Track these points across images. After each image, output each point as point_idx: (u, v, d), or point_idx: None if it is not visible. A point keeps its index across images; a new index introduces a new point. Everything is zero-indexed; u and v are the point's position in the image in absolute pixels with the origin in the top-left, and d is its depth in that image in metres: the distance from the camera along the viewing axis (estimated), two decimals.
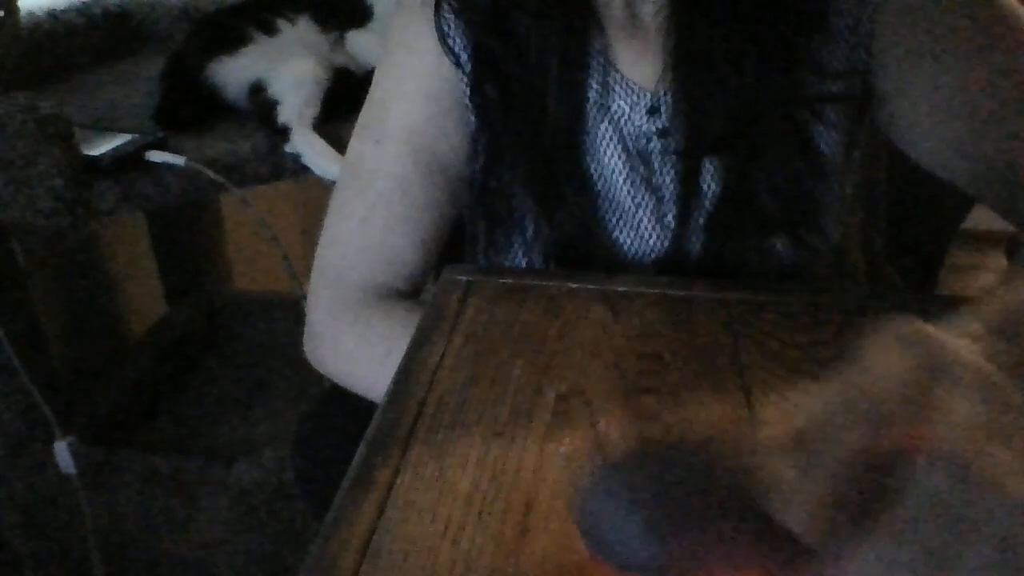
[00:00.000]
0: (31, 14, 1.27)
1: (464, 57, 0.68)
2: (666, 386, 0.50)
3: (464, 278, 0.62)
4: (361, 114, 0.73)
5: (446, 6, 0.68)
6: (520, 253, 0.72)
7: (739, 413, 0.47)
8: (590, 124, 0.68)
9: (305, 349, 0.74)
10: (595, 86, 0.67)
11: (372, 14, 1.21)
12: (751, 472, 0.35)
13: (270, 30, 1.18)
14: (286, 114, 1.10)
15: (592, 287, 0.60)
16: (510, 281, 0.62)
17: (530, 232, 0.70)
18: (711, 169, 0.66)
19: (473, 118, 0.70)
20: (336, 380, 0.72)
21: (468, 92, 0.69)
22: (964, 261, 1.26)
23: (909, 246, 0.97)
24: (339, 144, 1.08)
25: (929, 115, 0.63)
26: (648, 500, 0.35)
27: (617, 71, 0.67)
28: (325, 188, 1.08)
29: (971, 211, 0.97)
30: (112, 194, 1.02)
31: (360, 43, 1.22)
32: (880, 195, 0.88)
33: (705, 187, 0.66)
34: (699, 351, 0.53)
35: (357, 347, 0.70)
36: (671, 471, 0.36)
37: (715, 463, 0.36)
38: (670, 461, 0.37)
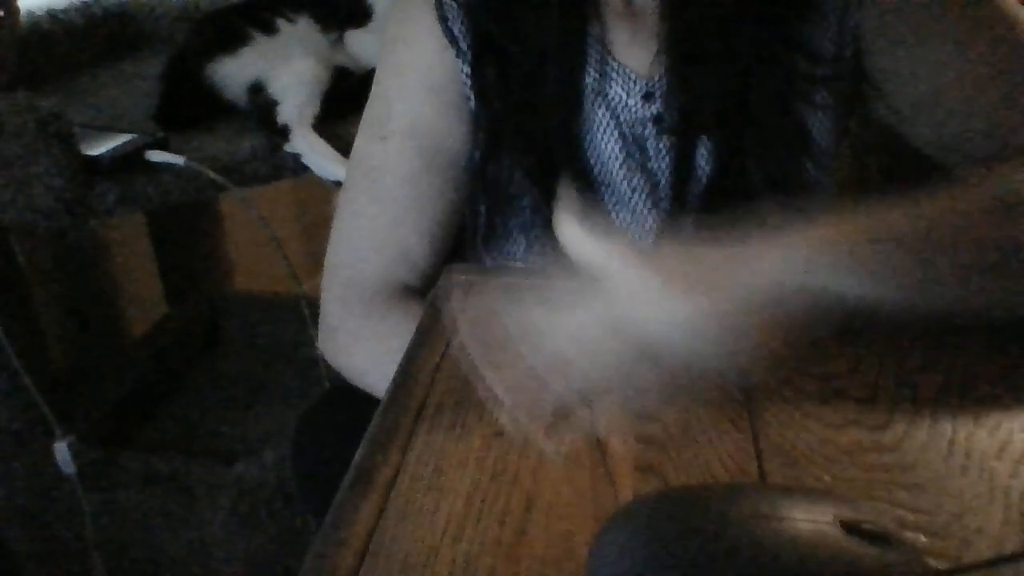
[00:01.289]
0: (31, 14, 1.27)
1: (465, 43, 0.69)
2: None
3: (464, 278, 0.62)
4: (365, 111, 0.74)
5: None
6: (519, 239, 0.72)
7: (739, 412, 0.47)
8: (587, 110, 0.68)
9: (319, 343, 0.75)
10: (592, 72, 0.68)
11: (372, 14, 1.21)
12: (763, 520, 0.35)
13: (270, 30, 1.18)
14: (286, 114, 1.10)
15: None
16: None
17: (527, 217, 0.70)
18: (704, 154, 0.67)
19: (473, 103, 0.70)
20: (347, 375, 0.73)
21: (468, 77, 0.69)
22: None
23: None
24: (339, 143, 1.08)
25: (922, 99, 0.63)
26: (658, 551, 0.35)
27: (614, 58, 0.68)
28: (325, 188, 1.08)
29: None
30: (112, 194, 1.02)
31: (360, 43, 1.22)
32: (872, 190, 0.88)
33: (699, 172, 0.67)
34: None
35: (370, 342, 0.71)
36: (682, 520, 0.36)
37: (726, 510, 0.36)
38: (681, 509, 0.37)
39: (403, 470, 0.44)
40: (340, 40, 1.22)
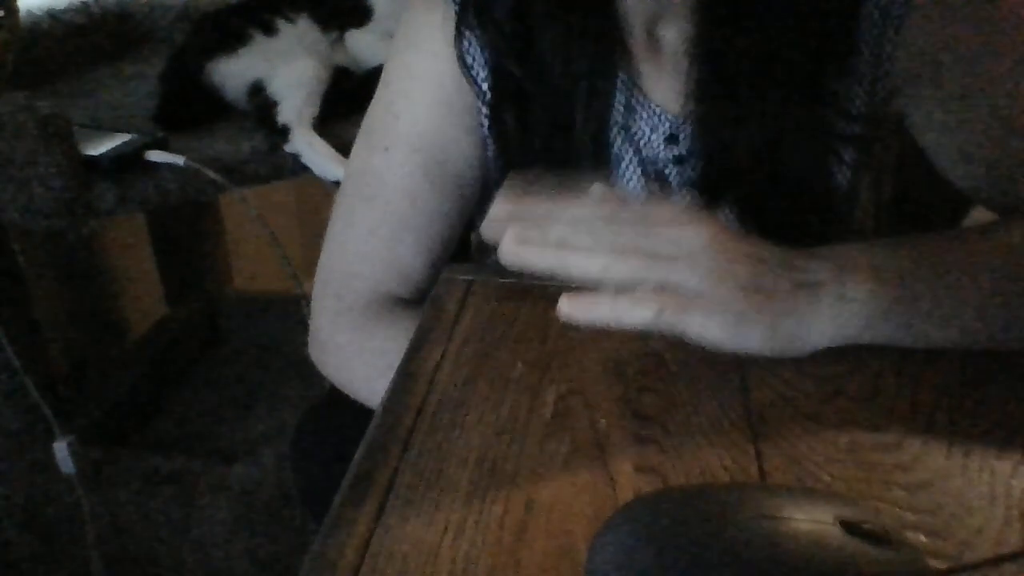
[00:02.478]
0: (31, 14, 1.27)
1: (482, 76, 0.67)
2: (666, 386, 0.50)
3: (464, 278, 0.62)
4: (367, 117, 0.72)
5: (466, 29, 0.66)
6: None
7: (739, 412, 0.47)
8: (611, 143, 0.67)
9: (309, 352, 0.74)
10: (619, 107, 0.66)
11: (372, 14, 1.21)
12: (763, 520, 0.35)
13: (270, 30, 1.18)
14: (286, 114, 1.10)
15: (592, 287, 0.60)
16: (510, 281, 0.62)
17: None
18: (728, 200, 0.65)
19: (490, 141, 0.68)
20: (338, 385, 0.72)
21: (487, 116, 0.68)
22: None
23: None
24: (339, 143, 1.08)
25: (966, 149, 0.62)
26: (658, 551, 0.35)
27: (641, 91, 0.66)
28: (325, 188, 1.08)
29: (969, 212, 0.97)
30: (112, 194, 1.02)
31: (360, 43, 1.22)
32: (883, 210, 0.88)
33: (722, 217, 0.66)
34: (699, 351, 0.53)
35: (359, 356, 0.70)
36: (682, 520, 0.36)
37: (726, 510, 0.36)
38: (681, 509, 0.37)
39: (403, 470, 0.44)
40: (340, 40, 1.22)
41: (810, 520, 0.35)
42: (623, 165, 0.67)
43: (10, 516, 1.26)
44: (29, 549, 1.29)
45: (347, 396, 0.71)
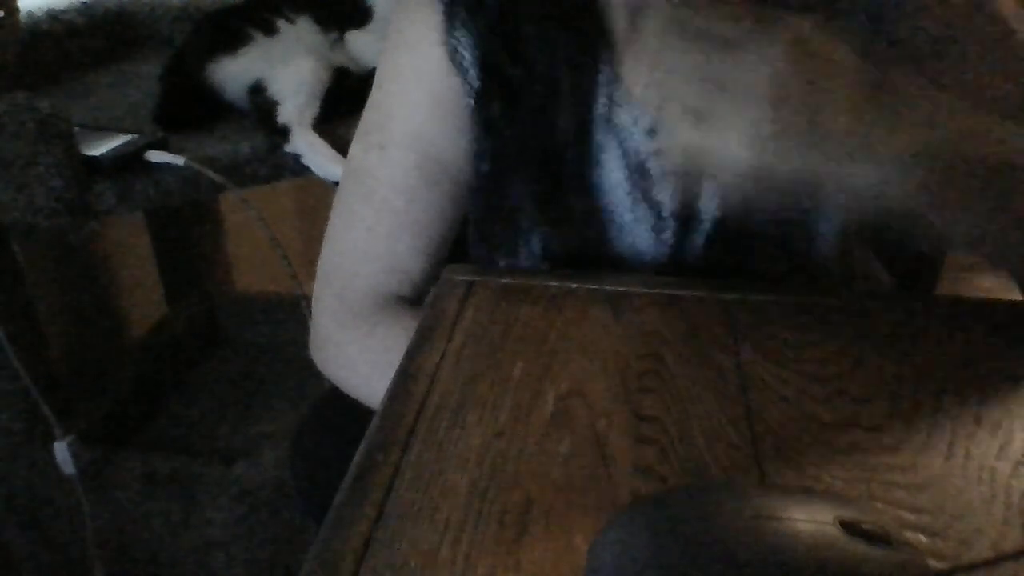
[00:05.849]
0: (31, 14, 1.27)
1: (473, 73, 0.67)
2: (666, 386, 0.50)
3: (464, 278, 0.62)
4: (363, 117, 0.72)
5: (458, 23, 0.67)
6: (523, 254, 0.72)
7: (739, 412, 0.47)
8: (594, 136, 0.67)
9: (311, 352, 0.74)
10: (602, 99, 0.67)
11: (372, 14, 1.21)
12: (763, 520, 0.35)
13: (270, 30, 1.18)
14: (286, 114, 1.10)
15: (592, 287, 0.60)
16: (510, 281, 0.62)
17: (535, 245, 0.70)
18: (711, 190, 0.66)
19: (478, 132, 0.69)
20: (339, 385, 0.72)
21: (474, 107, 0.68)
22: (964, 261, 1.25)
23: (908, 249, 0.96)
24: (339, 144, 1.08)
25: None
26: (658, 551, 0.35)
27: (623, 84, 0.67)
28: (325, 188, 1.09)
29: None
30: (112, 194, 1.02)
31: (360, 43, 1.22)
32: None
33: (703, 209, 0.66)
34: (699, 351, 0.53)
35: (360, 355, 0.70)
36: (682, 520, 0.36)
37: (726, 510, 0.36)
38: (681, 509, 0.37)
39: (403, 470, 0.44)
40: (340, 40, 1.22)
41: (810, 520, 0.35)
42: (605, 155, 0.68)
43: (10, 516, 1.26)
44: (29, 549, 1.29)
45: (347, 396, 0.72)
